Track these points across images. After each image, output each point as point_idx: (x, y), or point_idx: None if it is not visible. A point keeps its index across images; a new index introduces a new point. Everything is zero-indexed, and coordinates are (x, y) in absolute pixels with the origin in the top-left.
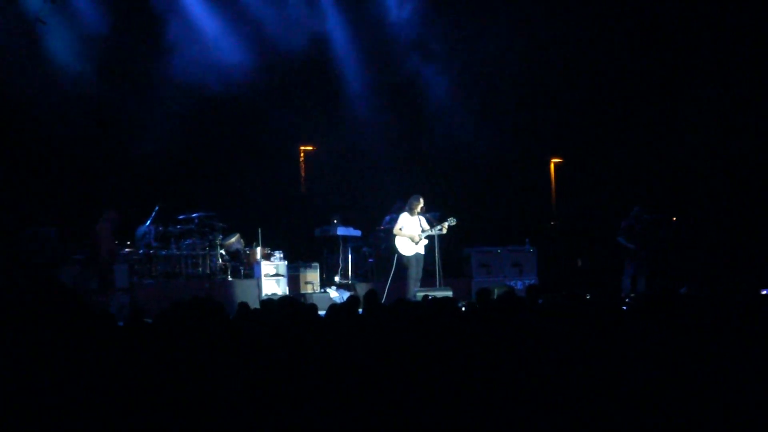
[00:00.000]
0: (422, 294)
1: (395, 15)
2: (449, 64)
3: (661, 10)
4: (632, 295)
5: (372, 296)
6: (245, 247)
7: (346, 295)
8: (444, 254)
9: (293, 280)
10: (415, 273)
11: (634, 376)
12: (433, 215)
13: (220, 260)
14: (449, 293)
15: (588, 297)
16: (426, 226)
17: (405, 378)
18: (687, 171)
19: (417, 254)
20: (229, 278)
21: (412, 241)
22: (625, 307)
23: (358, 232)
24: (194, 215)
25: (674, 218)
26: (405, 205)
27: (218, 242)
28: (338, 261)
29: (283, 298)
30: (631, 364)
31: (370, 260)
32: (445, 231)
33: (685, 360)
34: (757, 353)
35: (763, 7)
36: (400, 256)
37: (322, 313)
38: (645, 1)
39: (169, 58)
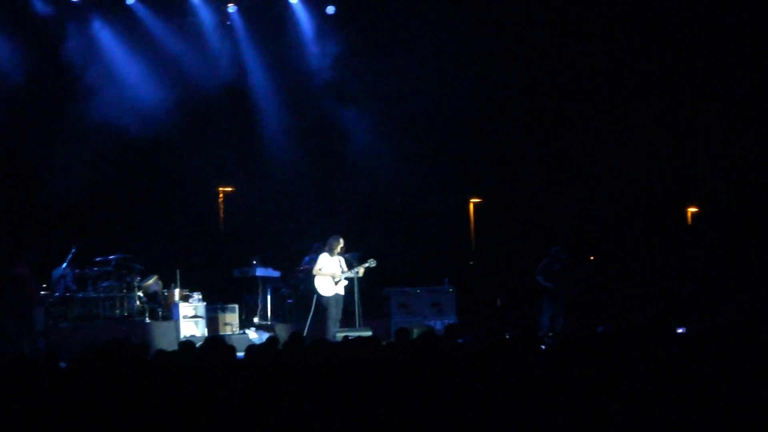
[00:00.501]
0: (342, 335)
1: (317, 61)
2: (369, 106)
3: (577, 48)
4: (550, 334)
5: (297, 338)
6: (163, 288)
7: (265, 336)
8: (363, 295)
9: (212, 322)
10: (334, 314)
11: (552, 414)
12: (353, 255)
13: (138, 302)
14: (369, 333)
15: (507, 336)
16: (345, 267)
17: (324, 416)
18: (604, 211)
19: (337, 295)
20: (147, 320)
21: (332, 281)
22: (543, 346)
23: (277, 273)
24: (111, 257)
25: (592, 258)
26: (324, 246)
27: (136, 284)
28: (257, 302)
29: (208, 338)
30: (549, 403)
31: (290, 301)
32: (361, 274)
33: (602, 399)
34: (673, 391)
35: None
36: (320, 296)
37: (240, 354)
38: (557, 44)
39: (88, 100)
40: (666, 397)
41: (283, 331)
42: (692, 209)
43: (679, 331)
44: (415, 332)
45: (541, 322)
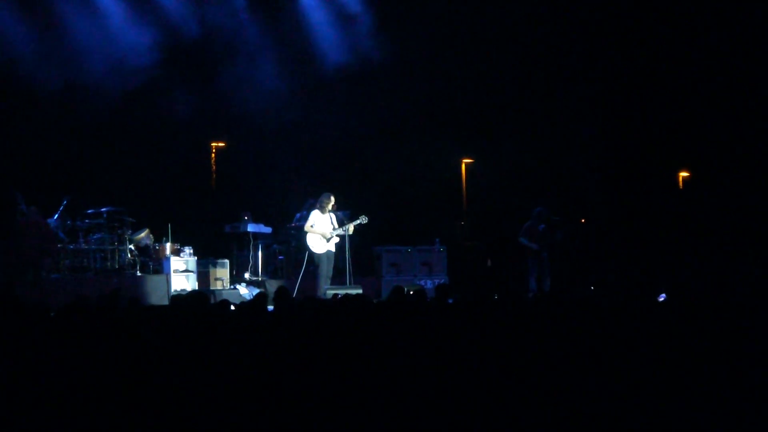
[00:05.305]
0: (332, 292)
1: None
2: (365, 63)
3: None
4: (538, 295)
5: (283, 293)
6: (155, 242)
7: (255, 291)
8: (354, 253)
9: (203, 276)
10: (325, 271)
11: (539, 374)
12: (344, 213)
13: (129, 255)
14: (359, 291)
15: (496, 297)
16: (337, 224)
17: (312, 375)
18: (597, 173)
19: (328, 252)
20: (138, 273)
21: (324, 238)
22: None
23: (268, 229)
24: (103, 210)
25: (583, 221)
26: (316, 203)
27: (127, 237)
28: (248, 258)
29: (193, 292)
30: (535, 362)
31: (281, 257)
32: (351, 231)
33: (583, 362)
34: (650, 358)
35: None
36: (311, 253)
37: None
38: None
39: (79, 51)
40: (644, 362)
41: (273, 287)
42: (684, 174)
43: (661, 297)
44: (406, 291)
45: (528, 283)
